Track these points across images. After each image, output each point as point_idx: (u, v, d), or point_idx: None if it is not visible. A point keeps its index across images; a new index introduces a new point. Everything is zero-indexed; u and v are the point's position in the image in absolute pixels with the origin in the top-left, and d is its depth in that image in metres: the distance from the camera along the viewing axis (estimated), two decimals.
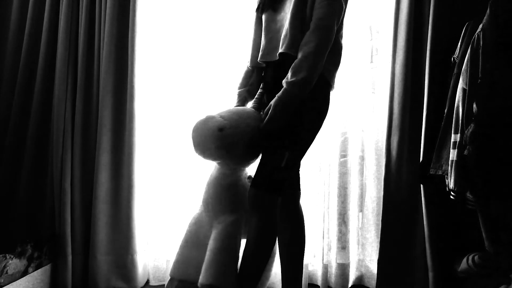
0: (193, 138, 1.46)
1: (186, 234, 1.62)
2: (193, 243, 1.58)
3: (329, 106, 1.45)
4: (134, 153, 1.98)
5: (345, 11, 1.40)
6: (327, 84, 1.41)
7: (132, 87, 1.98)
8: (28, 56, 2.03)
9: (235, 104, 1.62)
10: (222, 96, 2.09)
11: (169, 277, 1.96)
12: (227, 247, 1.43)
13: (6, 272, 1.62)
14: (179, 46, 2.10)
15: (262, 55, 1.50)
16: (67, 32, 1.98)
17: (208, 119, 1.44)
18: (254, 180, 1.37)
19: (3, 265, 1.61)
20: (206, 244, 1.50)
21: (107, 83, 1.97)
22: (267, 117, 1.32)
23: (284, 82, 1.30)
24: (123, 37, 1.99)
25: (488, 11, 1.40)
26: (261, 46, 1.51)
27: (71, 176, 1.95)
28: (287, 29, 1.37)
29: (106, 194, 1.96)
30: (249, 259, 1.38)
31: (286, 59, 1.35)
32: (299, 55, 1.31)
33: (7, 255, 1.63)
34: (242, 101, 1.62)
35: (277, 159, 1.32)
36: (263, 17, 1.53)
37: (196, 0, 2.12)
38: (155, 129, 2.09)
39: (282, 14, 1.45)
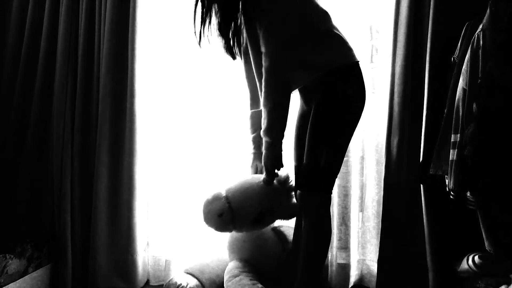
0: (202, 213, 1.58)
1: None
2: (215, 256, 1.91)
3: (364, 85, 1.41)
4: (135, 153, 1.98)
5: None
6: (343, 67, 1.37)
7: (132, 86, 1.97)
8: (28, 56, 2.03)
9: (251, 151, 1.66)
10: (223, 95, 2.10)
11: (169, 277, 1.97)
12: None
13: (6, 272, 1.62)
14: (179, 45, 2.09)
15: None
16: (67, 33, 1.98)
17: (213, 200, 1.54)
18: (297, 182, 1.39)
19: (3, 265, 1.61)
20: (221, 264, 1.83)
21: (107, 82, 1.97)
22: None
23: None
24: (123, 36, 1.99)
25: (488, 11, 1.39)
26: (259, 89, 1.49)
27: (71, 176, 1.95)
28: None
29: (106, 194, 1.96)
30: (306, 262, 1.39)
31: None
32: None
33: (7, 255, 1.63)
34: (259, 146, 1.62)
35: (316, 159, 1.32)
36: (250, 57, 1.51)
37: None
38: (156, 129, 2.09)
39: None
